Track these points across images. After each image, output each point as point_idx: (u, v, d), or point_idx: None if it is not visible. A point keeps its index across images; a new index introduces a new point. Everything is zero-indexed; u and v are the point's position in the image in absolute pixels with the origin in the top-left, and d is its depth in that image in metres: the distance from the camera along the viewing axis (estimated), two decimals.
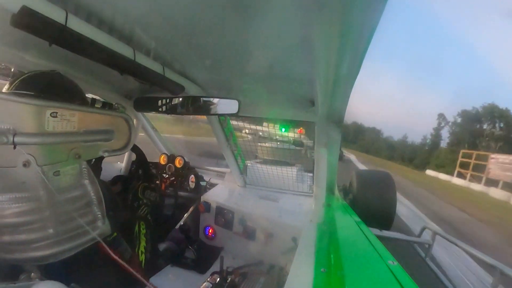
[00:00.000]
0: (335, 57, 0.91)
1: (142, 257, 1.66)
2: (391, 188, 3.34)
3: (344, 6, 0.63)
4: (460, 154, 24.32)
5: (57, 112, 0.98)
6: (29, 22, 0.70)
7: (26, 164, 0.91)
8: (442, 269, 2.43)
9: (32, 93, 0.95)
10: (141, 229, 1.75)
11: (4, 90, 0.99)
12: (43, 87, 1.00)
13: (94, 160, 1.31)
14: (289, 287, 1.05)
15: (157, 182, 2.19)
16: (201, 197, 2.37)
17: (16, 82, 0.99)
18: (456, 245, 2.19)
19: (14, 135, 0.87)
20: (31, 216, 0.96)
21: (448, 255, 4.11)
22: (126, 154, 2.56)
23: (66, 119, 1.02)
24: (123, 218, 1.46)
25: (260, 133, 2.95)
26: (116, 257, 1.21)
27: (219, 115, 1.96)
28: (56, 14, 0.75)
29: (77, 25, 0.81)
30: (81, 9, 0.86)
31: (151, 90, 1.61)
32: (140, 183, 2.01)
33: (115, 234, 1.33)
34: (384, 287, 0.93)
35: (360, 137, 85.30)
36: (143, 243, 1.71)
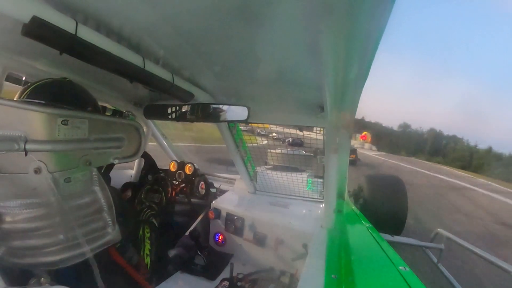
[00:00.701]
0: (344, 62, 0.91)
1: (147, 260, 1.67)
2: (402, 193, 3.32)
3: (351, 11, 0.63)
4: None
5: (68, 120, 1.00)
6: (39, 31, 0.71)
7: (37, 171, 0.93)
8: (455, 274, 2.37)
9: (43, 101, 0.96)
10: (145, 232, 1.76)
11: (15, 98, 1.01)
12: (54, 95, 1.02)
13: (104, 167, 1.32)
14: None
15: (165, 188, 2.20)
16: (211, 203, 2.37)
17: (28, 90, 1.01)
18: (470, 250, 2.14)
19: (26, 142, 0.88)
20: (42, 221, 0.98)
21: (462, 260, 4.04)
22: (137, 161, 2.59)
23: (76, 126, 1.04)
24: (133, 224, 1.47)
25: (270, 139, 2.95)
26: (124, 264, 1.22)
27: (229, 121, 1.97)
28: (66, 23, 0.76)
29: (86, 34, 0.83)
30: (91, 18, 0.88)
31: (160, 97, 1.63)
32: (146, 186, 2.02)
33: (121, 240, 1.34)
34: None
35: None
36: (147, 246, 1.72)
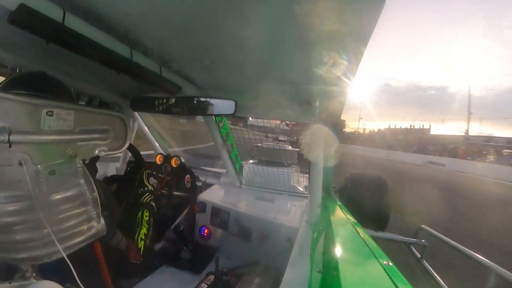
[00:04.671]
0: (332, 58, 0.92)
1: (141, 244, 1.65)
2: (385, 190, 3.40)
3: (341, 8, 0.63)
4: None
5: (53, 111, 0.98)
6: (26, 20, 0.69)
7: (21, 163, 0.91)
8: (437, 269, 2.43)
9: (25, 92, 0.94)
10: (144, 216, 1.75)
11: None
12: (34, 86, 1.00)
13: (90, 159, 1.30)
14: (285, 287, 1.05)
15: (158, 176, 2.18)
16: (197, 197, 2.37)
17: (5, 81, 0.98)
18: (452, 246, 2.19)
19: (10, 133, 0.86)
20: (26, 215, 0.96)
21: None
22: (122, 154, 2.56)
23: (62, 118, 1.02)
24: (119, 217, 1.45)
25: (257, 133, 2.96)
26: (102, 260, 1.21)
27: (216, 115, 1.96)
28: (53, 12, 0.74)
29: (74, 23, 0.81)
30: (79, 7, 0.86)
31: (148, 89, 1.61)
32: (144, 169, 2.00)
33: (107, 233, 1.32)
34: (379, 287, 0.93)
35: None
36: (143, 230, 1.70)
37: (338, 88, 1.24)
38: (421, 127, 58.71)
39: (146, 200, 1.82)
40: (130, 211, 1.71)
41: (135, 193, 1.82)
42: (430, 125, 58.38)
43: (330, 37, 0.80)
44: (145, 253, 1.64)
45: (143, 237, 1.67)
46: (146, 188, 1.88)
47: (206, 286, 1.63)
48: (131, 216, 1.71)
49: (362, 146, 44.46)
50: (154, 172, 2.05)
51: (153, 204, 1.86)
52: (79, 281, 0.92)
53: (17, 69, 1.21)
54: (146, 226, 1.72)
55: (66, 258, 0.95)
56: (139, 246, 1.63)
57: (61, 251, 0.96)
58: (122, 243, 1.46)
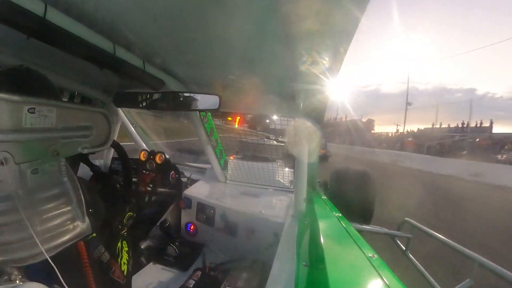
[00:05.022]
0: (317, 54, 0.93)
1: (124, 267, 1.64)
2: (370, 184, 3.47)
3: (325, 7, 0.64)
4: None
5: (34, 108, 0.96)
6: (7, 14, 0.67)
7: (3, 162, 0.89)
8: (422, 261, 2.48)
9: (5, 89, 0.92)
10: (124, 246, 1.74)
11: None
12: (15, 82, 0.97)
13: (73, 157, 1.28)
14: (272, 281, 1.06)
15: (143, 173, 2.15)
16: (182, 193, 2.36)
17: None
18: (435, 238, 2.25)
19: None
20: (9, 216, 0.93)
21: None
22: (106, 151, 2.52)
23: (44, 115, 0.99)
24: (103, 216, 1.43)
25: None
26: (86, 259, 1.20)
27: (200, 110, 1.96)
28: (34, 5, 0.72)
29: (56, 17, 0.79)
30: (61, 1, 0.84)
31: (131, 85, 1.59)
32: (127, 212, 1.97)
33: (94, 234, 1.31)
34: (365, 279, 0.95)
35: None
36: (125, 257, 1.69)
37: (321, 84, 1.26)
38: (478, 125, 39.50)
39: (124, 233, 1.81)
40: (110, 240, 1.70)
41: (115, 227, 1.80)
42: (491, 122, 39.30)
43: (314, 34, 0.81)
44: (127, 278, 1.63)
45: (126, 262, 1.67)
46: (124, 226, 1.87)
47: (194, 282, 1.63)
48: (111, 244, 1.70)
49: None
50: (134, 215, 2.03)
51: (130, 238, 1.85)
52: (64, 283, 0.91)
53: None
54: (126, 255, 1.72)
55: (50, 260, 0.94)
56: (122, 269, 1.62)
57: (44, 253, 0.95)
58: (104, 256, 1.45)
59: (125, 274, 1.61)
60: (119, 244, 1.73)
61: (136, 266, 1.83)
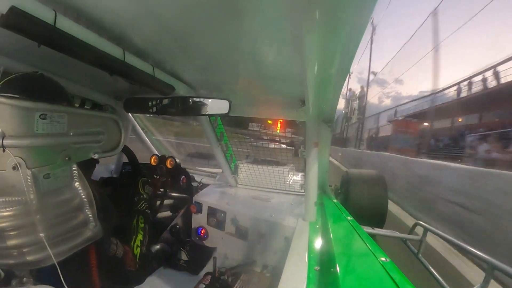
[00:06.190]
0: (325, 57, 0.92)
1: (137, 251, 1.65)
2: (383, 188, 3.43)
3: (334, 6, 0.64)
4: None
5: (46, 114, 0.97)
6: (18, 22, 0.69)
7: (15, 167, 0.90)
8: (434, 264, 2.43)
9: (18, 95, 0.93)
10: (139, 223, 1.75)
11: None
12: (28, 88, 0.99)
13: (84, 162, 1.30)
14: (283, 286, 1.05)
15: (153, 177, 2.18)
16: (193, 197, 2.36)
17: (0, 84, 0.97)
18: (448, 240, 2.20)
19: (3, 138, 0.86)
20: (22, 219, 0.95)
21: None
22: (117, 156, 2.55)
23: (55, 120, 1.01)
24: (114, 220, 1.45)
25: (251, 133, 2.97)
26: (94, 263, 1.21)
27: (210, 115, 1.96)
28: (45, 14, 0.74)
29: (66, 25, 0.81)
30: (70, 9, 0.86)
31: (141, 91, 1.61)
32: (140, 177, 1.99)
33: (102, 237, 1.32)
34: (377, 284, 0.93)
35: None
36: (139, 237, 1.70)
37: (331, 87, 1.25)
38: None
39: (141, 207, 1.81)
40: (125, 218, 1.71)
41: (130, 200, 1.82)
42: None
43: (322, 37, 0.80)
44: (141, 260, 1.63)
45: (139, 244, 1.67)
46: (141, 196, 1.88)
47: (204, 286, 1.63)
48: (126, 223, 1.71)
49: None
50: (149, 180, 2.05)
51: (148, 211, 1.86)
52: (65, 286, 0.92)
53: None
54: (142, 233, 1.72)
55: (56, 264, 0.95)
56: (135, 253, 1.62)
57: (52, 257, 0.96)
58: (118, 251, 1.46)
59: (137, 258, 1.61)
60: (134, 221, 1.74)
61: (147, 269, 1.84)
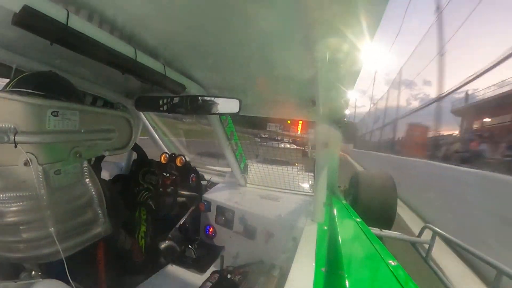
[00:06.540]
0: (336, 57, 0.92)
1: (141, 242, 1.66)
2: (392, 189, 3.39)
3: (345, 7, 0.63)
4: None
5: (58, 111, 0.99)
6: (30, 21, 0.70)
7: (27, 163, 0.92)
8: (442, 269, 2.41)
9: (32, 91, 0.95)
10: (142, 214, 1.76)
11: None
12: (41, 86, 1.00)
13: (95, 158, 1.31)
14: (290, 286, 1.05)
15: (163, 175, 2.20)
16: (202, 196, 2.37)
17: (12, 82, 0.99)
18: (457, 244, 2.17)
19: (15, 134, 0.87)
20: (32, 214, 0.97)
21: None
22: (127, 153, 2.57)
23: (67, 118, 1.02)
24: (124, 216, 1.46)
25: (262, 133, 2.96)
26: (101, 260, 1.22)
27: (220, 114, 1.96)
28: (57, 13, 0.75)
29: (78, 24, 0.82)
30: (82, 8, 0.87)
31: (152, 89, 1.62)
32: (141, 168, 2.01)
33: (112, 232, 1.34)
34: (384, 287, 0.93)
35: None
36: (143, 228, 1.71)
37: (342, 87, 1.24)
38: None
39: (142, 199, 1.83)
40: (129, 211, 1.73)
41: (131, 193, 1.83)
42: None
43: (333, 35, 0.80)
44: (147, 251, 1.64)
45: (143, 235, 1.69)
46: (141, 187, 1.89)
47: (211, 284, 1.64)
48: (130, 215, 1.72)
49: None
50: (151, 169, 2.06)
51: (150, 202, 1.87)
52: (71, 281, 0.93)
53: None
54: (145, 224, 1.73)
55: (64, 259, 0.96)
56: (140, 244, 1.64)
57: (61, 251, 0.97)
58: (127, 243, 1.47)
59: (143, 249, 1.63)
60: (137, 213, 1.75)
61: (154, 266, 1.85)
